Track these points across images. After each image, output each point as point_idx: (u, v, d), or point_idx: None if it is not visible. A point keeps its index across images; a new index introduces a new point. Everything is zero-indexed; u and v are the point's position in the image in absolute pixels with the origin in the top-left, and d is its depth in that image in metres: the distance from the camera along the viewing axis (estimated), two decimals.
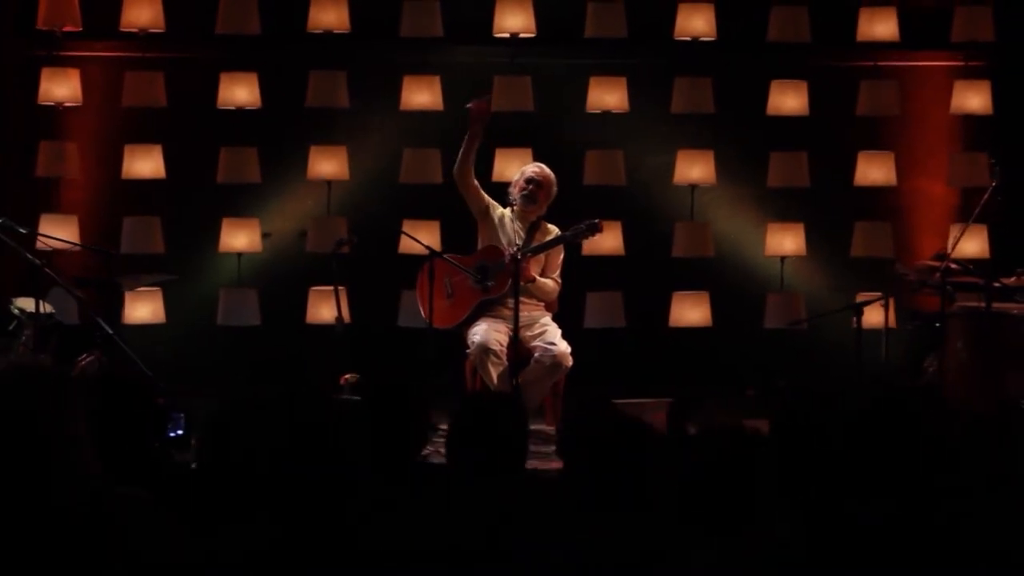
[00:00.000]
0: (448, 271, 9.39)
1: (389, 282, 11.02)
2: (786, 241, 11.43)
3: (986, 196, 8.70)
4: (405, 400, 4.59)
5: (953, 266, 8.60)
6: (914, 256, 11.51)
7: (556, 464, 4.80)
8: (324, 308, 11.04)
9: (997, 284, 8.48)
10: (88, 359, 9.21)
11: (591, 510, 3.76)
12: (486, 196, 9.63)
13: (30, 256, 8.53)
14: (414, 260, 11.06)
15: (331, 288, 10.95)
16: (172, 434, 7.66)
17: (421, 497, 3.97)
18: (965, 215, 11.46)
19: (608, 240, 10.83)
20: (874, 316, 10.88)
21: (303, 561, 3.63)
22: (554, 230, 9.54)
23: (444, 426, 8.10)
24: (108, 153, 11.22)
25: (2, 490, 3.30)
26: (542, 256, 9.43)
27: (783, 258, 11.46)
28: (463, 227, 9.88)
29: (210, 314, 11.09)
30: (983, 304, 8.76)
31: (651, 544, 3.55)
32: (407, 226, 11.09)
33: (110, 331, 8.63)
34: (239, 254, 11.16)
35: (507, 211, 9.57)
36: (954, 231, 11.31)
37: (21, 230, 8.51)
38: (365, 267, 10.71)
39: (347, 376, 9.15)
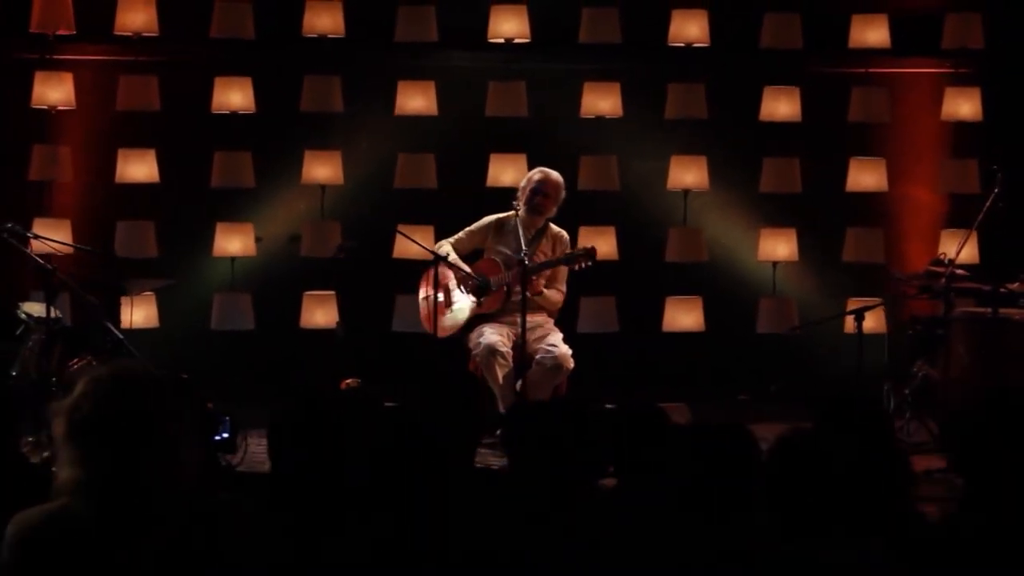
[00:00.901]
0: (448, 279, 9.27)
1: (383, 287, 10.94)
2: (779, 246, 11.36)
3: (988, 202, 8.64)
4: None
5: (959, 271, 8.54)
6: (904, 262, 11.49)
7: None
8: (318, 312, 10.94)
9: (1004, 290, 8.44)
10: (80, 363, 9.10)
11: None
12: (481, 229, 9.44)
13: (41, 261, 8.42)
14: (408, 265, 10.99)
15: (328, 293, 10.94)
16: (218, 437, 7.58)
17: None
18: (954, 221, 11.48)
19: (602, 245, 10.70)
20: (868, 321, 10.86)
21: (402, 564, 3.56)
22: (561, 233, 9.43)
23: None
24: (101, 157, 11.04)
25: (108, 493, 3.22)
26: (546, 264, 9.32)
27: (775, 263, 11.41)
28: (455, 232, 9.75)
29: (204, 318, 10.98)
30: (983, 309, 8.72)
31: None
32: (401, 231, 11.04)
33: (120, 336, 8.51)
34: (233, 258, 11.04)
35: (511, 216, 9.34)
36: (946, 237, 11.33)
37: (29, 235, 8.40)
38: (358, 272, 10.61)
39: (348, 381, 9.04)
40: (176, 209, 11.08)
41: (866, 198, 11.51)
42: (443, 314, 9.19)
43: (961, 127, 11.52)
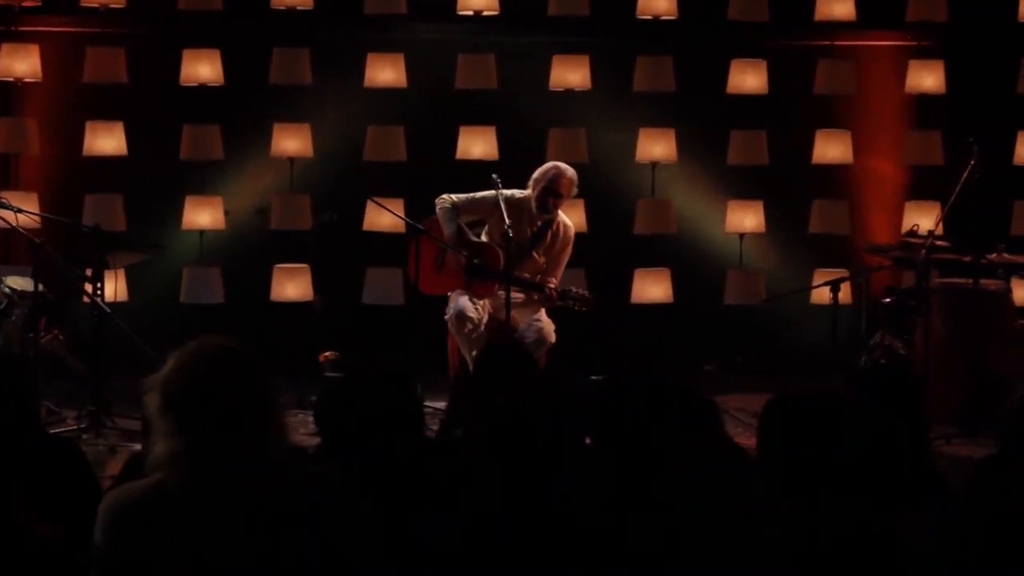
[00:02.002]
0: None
1: (353, 259, 10.84)
2: (746, 218, 11.31)
3: (966, 174, 8.61)
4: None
5: (938, 243, 8.53)
6: (867, 233, 11.50)
7: None
8: (289, 286, 10.82)
9: (985, 261, 8.43)
10: (47, 337, 8.97)
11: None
12: (487, 204, 8.99)
13: (28, 234, 8.28)
14: (378, 237, 10.91)
15: (299, 266, 10.83)
16: None
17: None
18: (917, 193, 11.49)
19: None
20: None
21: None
22: (568, 227, 9.17)
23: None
24: (69, 130, 10.85)
25: (204, 465, 3.19)
26: (544, 257, 9.17)
27: (742, 235, 11.38)
28: (427, 204, 9.64)
29: (173, 292, 10.84)
30: (962, 280, 8.73)
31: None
32: (371, 205, 10.90)
33: (108, 310, 8.38)
34: (202, 231, 10.89)
35: (522, 200, 8.96)
36: (910, 208, 11.33)
37: (15, 209, 8.26)
38: (329, 244, 10.51)
39: (327, 354, 8.95)
40: (145, 182, 10.87)
41: (831, 170, 11.47)
42: (432, 273, 9.06)
43: (925, 99, 11.50)
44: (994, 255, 8.61)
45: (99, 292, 8.34)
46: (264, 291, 10.79)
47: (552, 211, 9.03)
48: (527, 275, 8.97)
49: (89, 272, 8.33)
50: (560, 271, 9.17)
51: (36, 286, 8.16)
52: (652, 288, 11.18)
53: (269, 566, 3.16)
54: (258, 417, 3.22)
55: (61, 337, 9.16)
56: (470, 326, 8.78)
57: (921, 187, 11.43)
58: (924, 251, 8.36)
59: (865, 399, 3.60)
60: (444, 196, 9.13)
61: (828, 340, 10.93)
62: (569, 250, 9.26)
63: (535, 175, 9.03)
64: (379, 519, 3.33)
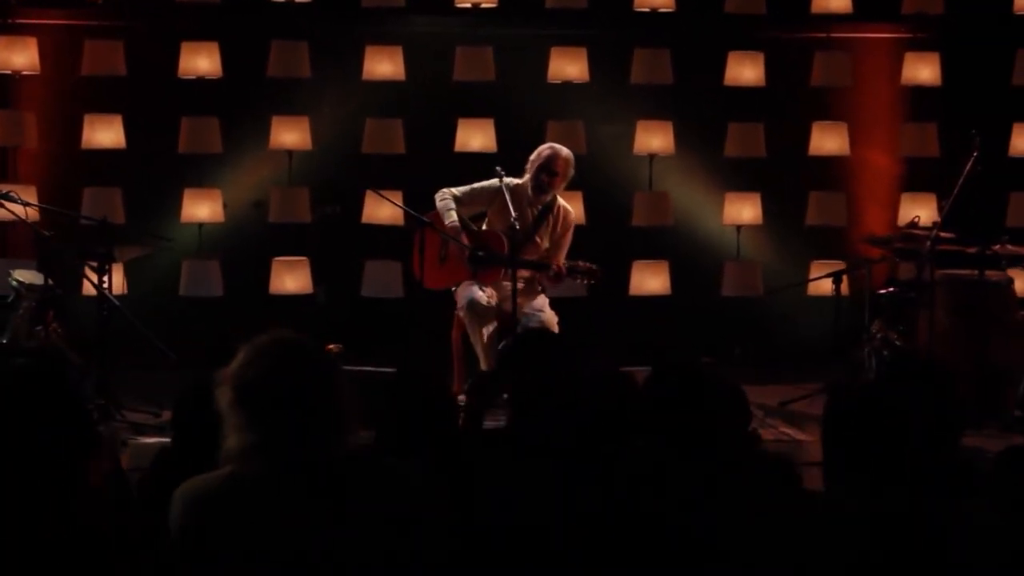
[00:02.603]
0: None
1: (352, 252, 10.81)
2: (743, 210, 11.30)
3: (969, 166, 8.63)
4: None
5: (943, 234, 8.52)
6: (862, 225, 11.51)
7: None
8: (288, 278, 10.80)
9: (990, 252, 8.43)
10: (43, 330, 8.94)
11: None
12: (486, 193, 9.07)
13: (36, 228, 8.26)
14: (377, 230, 10.90)
15: (298, 259, 10.80)
16: None
17: None
18: (912, 185, 11.50)
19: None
20: (829, 284, 10.86)
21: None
22: (568, 211, 9.19)
23: None
24: (67, 122, 10.77)
25: (278, 456, 3.20)
26: (547, 241, 9.16)
27: (739, 227, 11.39)
28: (425, 197, 9.61)
29: (173, 285, 10.81)
30: (967, 271, 8.73)
31: None
32: (370, 197, 10.89)
33: (117, 303, 8.35)
34: (200, 224, 10.85)
35: (520, 186, 9.03)
36: (906, 200, 11.34)
37: (23, 202, 8.23)
38: (328, 237, 10.49)
39: (331, 346, 8.90)
40: (143, 175, 10.80)
41: (828, 162, 11.48)
42: (436, 267, 9.05)
43: (921, 92, 11.50)
44: (998, 246, 8.61)
45: (105, 285, 8.30)
46: (263, 284, 10.76)
47: (548, 191, 9.03)
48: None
49: (95, 265, 8.28)
50: (562, 255, 9.15)
51: (46, 280, 8.13)
52: (650, 280, 11.16)
53: (342, 557, 3.16)
54: (328, 408, 3.22)
55: (60, 331, 9.12)
56: (484, 318, 8.79)
57: (917, 179, 11.44)
58: (929, 243, 8.35)
59: (898, 389, 3.59)
60: (444, 190, 9.12)
61: (825, 332, 11.02)
62: (570, 235, 9.27)
63: (531, 157, 9.11)
64: (452, 510, 3.34)
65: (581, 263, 9.05)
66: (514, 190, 8.98)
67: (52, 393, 3.11)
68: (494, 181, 9.03)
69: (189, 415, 4.43)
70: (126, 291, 10.50)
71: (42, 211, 9.31)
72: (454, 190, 9.11)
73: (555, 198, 9.17)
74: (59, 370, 3.17)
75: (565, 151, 9.10)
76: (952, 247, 8.67)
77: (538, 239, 9.05)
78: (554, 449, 3.79)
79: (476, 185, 9.15)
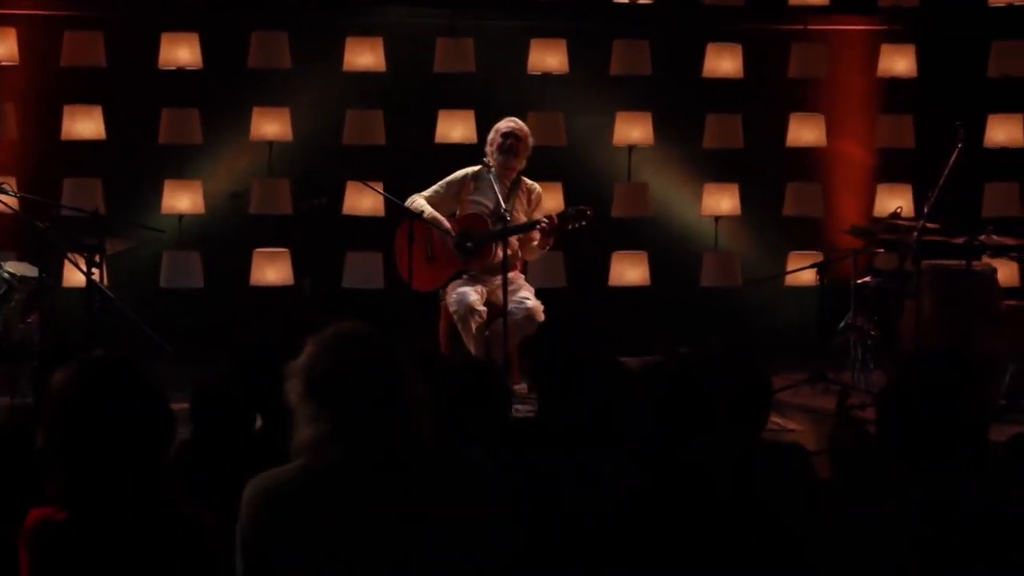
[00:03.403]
0: (428, 233, 9.03)
1: (333, 243, 10.80)
2: (722, 201, 11.34)
3: (953, 158, 8.69)
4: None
5: (929, 225, 8.58)
6: (838, 216, 11.59)
7: None
8: (269, 270, 10.78)
9: (977, 243, 8.50)
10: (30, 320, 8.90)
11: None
12: (455, 183, 9.23)
13: (32, 219, 8.23)
14: (358, 222, 10.89)
15: (279, 250, 10.78)
16: None
17: None
18: (888, 176, 11.58)
19: (549, 201, 10.67)
20: (807, 275, 10.95)
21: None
22: (535, 187, 9.27)
23: None
24: (47, 114, 10.67)
25: (350, 448, 3.18)
26: (522, 216, 9.17)
27: (718, 218, 11.44)
28: (406, 188, 9.61)
29: (153, 277, 10.76)
30: (953, 262, 8.80)
31: None
32: (351, 188, 10.90)
33: (111, 295, 8.33)
34: (180, 216, 10.83)
35: (483, 169, 9.15)
36: (882, 191, 11.42)
37: (15, 194, 8.19)
38: (308, 228, 10.48)
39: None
40: (123, 166, 10.73)
41: (805, 153, 11.52)
42: (424, 267, 9.04)
43: (896, 83, 11.56)
44: (983, 236, 8.68)
45: (93, 277, 8.28)
46: (244, 275, 10.74)
47: (517, 153, 9.14)
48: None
49: (89, 257, 8.26)
50: (535, 239, 9.19)
51: (41, 272, 8.11)
52: (630, 271, 11.18)
53: (414, 548, 3.16)
54: (399, 399, 3.21)
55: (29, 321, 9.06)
56: (478, 319, 8.80)
57: (893, 170, 11.52)
58: (916, 233, 8.41)
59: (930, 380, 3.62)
60: (412, 196, 9.21)
61: (802, 322, 11.12)
62: (541, 210, 9.33)
63: (489, 136, 9.31)
64: (525, 503, 3.35)
65: (568, 209, 9.10)
66: (479, 174, 9.17)
67: (132, 381, 3.11)
68: (457, 172, 9.23)
69: (208, 409, 4.44)
70: (106, 283, 10.48)
71: (24, 202, 9.24)
72: (423, 193, 9.20)
73: (520, 177, 9.24)
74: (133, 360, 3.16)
75: (518, 120, 9.36)
76: (938, 238, 8.73)
77: (515, 214, 9.09)
78: (584, 437, 3.81)
79: (441, 183, 9.27)
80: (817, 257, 10.95)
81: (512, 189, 9.13)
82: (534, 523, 3.55)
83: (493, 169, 9.03)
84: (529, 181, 9.31)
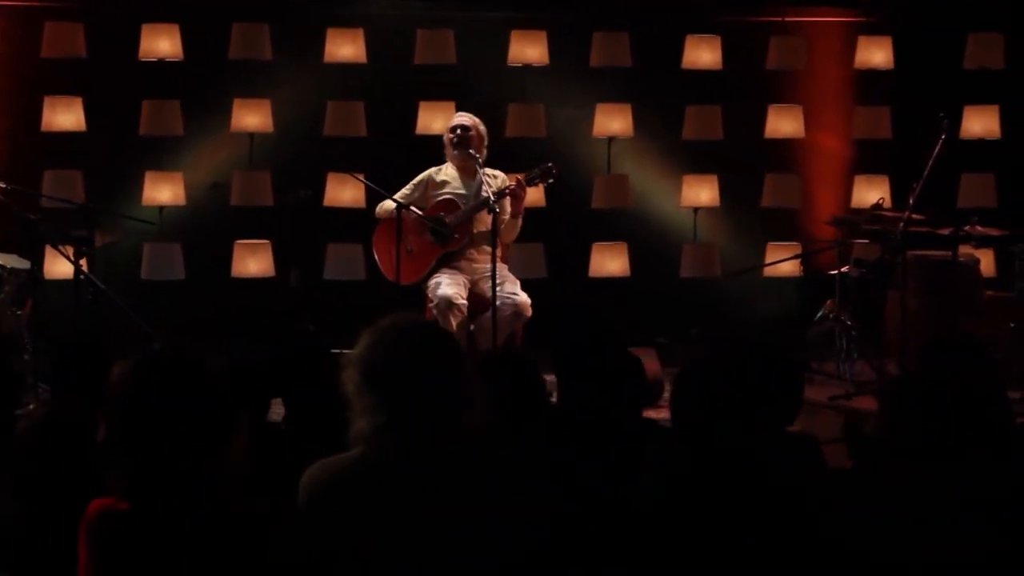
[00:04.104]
0: (405, 228, 9.06)
1: (314, 235, 10.80)
2: (701, 192, 11.39)
3: (937, 148, 8.76)
4: None
5: (915, 216, 8.67)
6: (815, 207, 11.68)
7: None
8: (251, 262, 10.76)
9: (962, 234, 8.59)
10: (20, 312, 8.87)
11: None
12: (422, 182, 9.27)
13: (25, 212, 8.22)
14: (339, 213, 10.90)
15: (260, 242, 10.78)
16: None
17: None
18: (865, 167, 11.66)
19: (529, 192, 10.72)
20: (786, 266, 11.05)
21: None
22: (497, 173, 9.25)
23: None
24: (27, 105, 10.63)
25: (407, 438, 3.22)
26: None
27: (697, 209, 11.51)
28: (386, 180, 9.60)
29: (133, 269, 10.74)
30: (938, 252, 8.89)
31: None
32: (332, 180, 10.91)
33: (103, 287, 8.33)
34: (161, 207, 10.81)
35: (447, 168, 9.24)
36: (860, 182, 11.49)
37: (2, 185, 8.18)
38: (296, 220, 10.48)
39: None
40: (104, 158, 10.68)
41: (783, 144, 11.59)
42: (405, 261, 9.06)
43: (873, 75, 11.65)
44: (968, 227, 8.77)
45: (82, 269, 8.27)
46: (225, 267, 10.74)
47: (469, 145, 9.12)
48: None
49: (85, 248, 8.26)
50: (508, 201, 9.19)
51: (33, 264, 8.11)
52: (610, 262, 11.22)
53: (471, 538, 3.18)
54: (453, 389, 3.24)
55: (19, 313, 9.04)
56: (458, 313, 8.82)
57: (869, 161, 11.60)
58: (902, 224, 8.49)
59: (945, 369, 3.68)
60: (381, 203, 9.26)
61: (779, 313, 11.22)
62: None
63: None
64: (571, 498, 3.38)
65: (533, 170, 9.16)
66: (441, 170, 9.28)
67: (192, 375, 3.13)
68: (421, 174, 9.30)
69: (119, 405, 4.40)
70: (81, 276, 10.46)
71: (9, 194, 9.20)
72: (393, 198, 9.16)
73: (482, 168, 9.17)
74: (197, 354, 3.19)
75: (467, 113, 9.39)
76: (924, 228, 8.82)
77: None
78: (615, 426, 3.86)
79: (408, 186, 9.29)
80: (795, 248, 11.05)
81: (478, 180, 9.10)
82: (579, 514, 3.58)
83: (455, 162, 9.15)
84: (492, 170, 9.27)
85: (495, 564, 3.20)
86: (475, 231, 9.07)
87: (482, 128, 9.31)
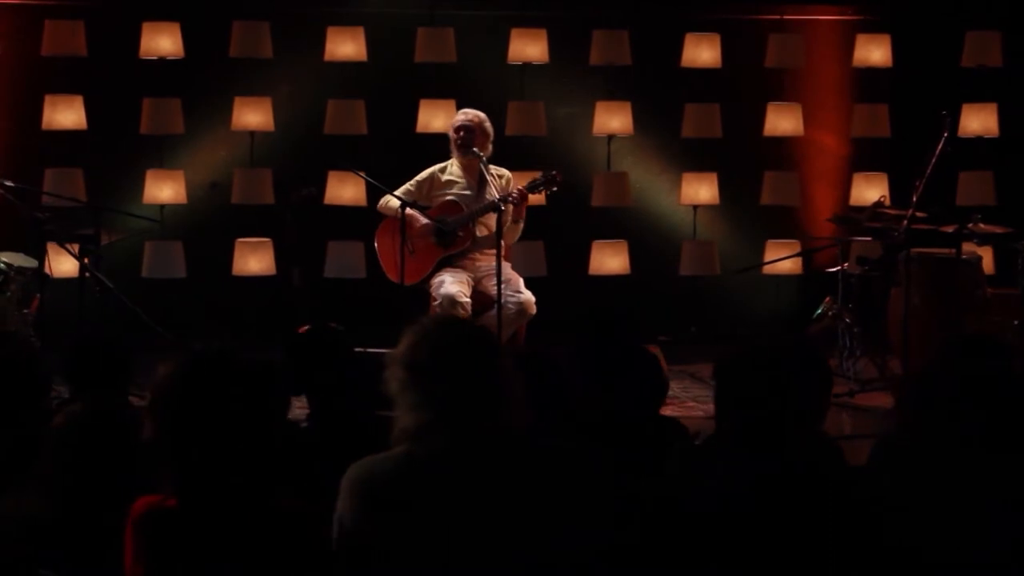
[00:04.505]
0: (408, 228, 9.00)
1: (314, 233, 10.81)
2: (700, 190, 11.43)
3: (940, 146, 8.81)
4: None
5: (919, 214, 8.71)
6: (814, 205, 11.73)
7: None
8: (252, 260, 10.77)
9: (967, 231, 8.63)
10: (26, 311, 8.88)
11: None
12: (426, 180, 9.29)
13: (33, 211, 8.24)
14: (339, 211, 10.91)
15: (261, 240, 10.80)
16: None
17: None
18: (864, 165, 11.71)
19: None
20: (786, 264, 11.11)
21: None
22: (503, 172, 9.28)
23: None
24: (28, 104, 10.63)
25: (453, 435, 3.23)
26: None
27: (696, 207, 11.55)
28: (386, 178, 9.61)
29: (133, 267, 10.73)
30: (942, 250, 8.94)
31: None
32: (333, 178, 10.93)
33: (111, 285, 8.35)
34: (162, 206, 10.81)
35: (452, 166, 9.25)
36: (859, 180, 11.52)
37: (8, 183, 8.21)
38: (301, 218, 10.49)
39: (306, 327, 8.89)
40: (105, 156, 10.69)
41: (782, 142, 11.62)
42: (407, 261, 9.07)
43: (872, 73, 11.68)
44: (971, 224, 8.82)
45: (89, 268, 8.29)
46: (226, 265, 10.76)
47: (471, 146, 9.09)
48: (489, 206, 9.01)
49: (95, 249, 8.28)
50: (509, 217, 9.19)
51: (41, 262, 8.13)
52: (610, 260, 11.24)
53: (518, 535, 3.19)
54: (497, 386, 3.25)
55: (26, 312, 9.04)
56: (462, 312, 8.83)
57: (868, 159, 11.65)
58: (906, 222, 8.52)
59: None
60: (386, 196, 9.23)
61: (778, 310, 11.26)
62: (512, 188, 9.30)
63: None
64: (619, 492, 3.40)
65: (536, 177, 9.13)
66: (446, 168, 9.30)
67: (238, 373, 3.15)
68: (424, 171, 9.33)
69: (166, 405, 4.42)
70: (88, 274, 10.46)
71: (13, 192, 9.22)
72: (395, 192, 9.17)
73: (487, 165, 9.21)
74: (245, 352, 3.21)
75: (474, 111, 9.34)
76: (928, 226, 8.86)
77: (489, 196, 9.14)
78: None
79: (411, 182, 9.30)
80: (795, 245, 11.10)
81: (481, 179, 9.11)
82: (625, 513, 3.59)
83: (459, 161, 9.13)
84: (497, 167, 9.29)
85: (548, 559, 3.21)
86: (478, 234, 9.07)
87: (487, 125, 9.28)
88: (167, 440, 3.10)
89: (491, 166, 9.25)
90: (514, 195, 8.95)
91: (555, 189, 9.16)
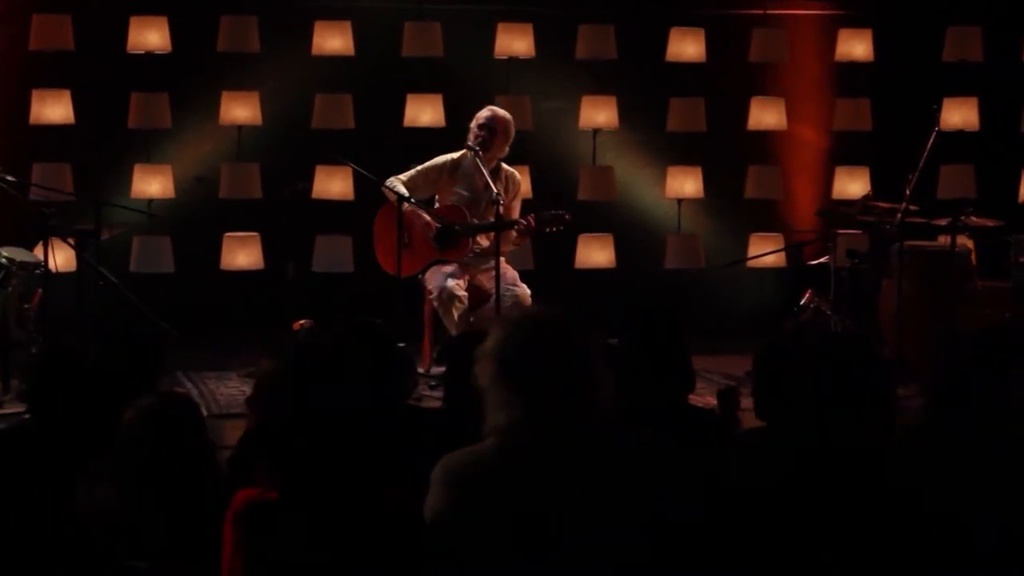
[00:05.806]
0: (408, 220, 9.05)
1: (302, 227, 10.89)
2: (685, 184, 11.52)
3: (931, 140, 8.95)
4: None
5: (911, 207, 8.85)
6: (796, 199, 11.88)
7: None
8: (240, 254, 10.80)
9: (960, 223, 8.78)
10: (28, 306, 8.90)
11: None
12: (435, 170, 9.25)
13: (40, 206, 8.27)
14: (327, 205, 10.98)
15: (249, 234, 10.85)
16: None
17: None
18: (845, 159, 11.85)
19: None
20: (770, 258, 11.23)
21: None
22: (514, 174, 9.30)
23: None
24: (15, 98, 10.58)
25: (544, 430, 3.27)
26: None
27: (680, 200, 11.68)
28: (375, 172, 9.65)
29: (121, 261, 10.74)
30: (933, 242, 9.07)
31: None
32: (321, 172, 11.00)
33: (115, 280, 8.41)
34: (150, 200, 10.85)
35: (464, 156, 9.20)
36: (841, 174, 11.67)
37: (10, 178, 8.26)
38: (276, 212, 10.58)
39: (301, 322, 8.98)
40: (92, 151, 10.67)
41: (766, 136, 11.73)
42: (406, 252, 9.15)
43: (854, 67, 11.80)
44: (963, 217, 8.96)
45: (91, 262, 8.34)
46: (214, 260, 10.81)
47: (491, 148, 9.10)
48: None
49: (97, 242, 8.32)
50: (517, 210, 9.28)
51: (45, 257, 8.17)
52: (596, 254, 11.32)
53: (609, 527, 3.23)
54: (586, 380, 3.27)
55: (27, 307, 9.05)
56: (459, 304, 8.90)
57: (850, 153, 11.79)
58: (900, 215, 8.66)
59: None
60: (390, 178, 9.14)
61: (765, 302, 11.38)
62: (519, 200, 9.42)
63: (471, 124, 9.25)
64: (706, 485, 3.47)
65: (546, 212, 9.13)
66: (460, 161, 9.20)
67: (339, 369, 3.22)
68: (436, 159, 9.24)
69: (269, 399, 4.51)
70: (75, 268, 10.50)
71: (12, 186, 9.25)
72: (400, 176, 9.15)
73: (500, 165, 9.27)
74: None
75: (503, 111, 9.27)
76: (920, 219, 9.01)
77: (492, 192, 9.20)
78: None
79: (420, 167, 9.23)
80: (778, 239, 11.26)
81: (494, 176, 9.11)
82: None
83: (480, 153, 9.03)
84: (508, 168, 9.30)
85: (638, 549, 3.25)
86: (473, 248, 9.13)
87: (511, 128, 9.25)
88: (270, 433, 3.16)
89: (504, 165, 9.28)
90: (522, 224, 8.97)
91: (560, 228, 9.14)
